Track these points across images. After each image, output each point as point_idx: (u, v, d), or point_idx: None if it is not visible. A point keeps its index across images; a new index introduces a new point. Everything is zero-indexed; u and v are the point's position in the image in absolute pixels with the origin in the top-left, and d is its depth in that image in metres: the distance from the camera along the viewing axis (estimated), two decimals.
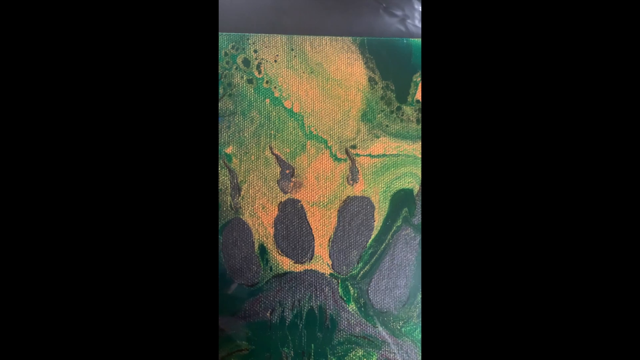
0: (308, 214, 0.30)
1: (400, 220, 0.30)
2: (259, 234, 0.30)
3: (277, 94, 0.31)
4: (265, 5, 0.37)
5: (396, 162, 0.31)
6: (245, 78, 0.31)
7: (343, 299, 0.30)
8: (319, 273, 0.30)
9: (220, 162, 0.31)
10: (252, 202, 0.30)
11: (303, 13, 0.37)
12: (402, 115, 0.31)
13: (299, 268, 0.30)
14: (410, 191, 0.31)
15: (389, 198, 0.31)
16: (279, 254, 0.30)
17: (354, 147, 0.31)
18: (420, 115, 0.31)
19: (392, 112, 0.31)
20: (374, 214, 0.31)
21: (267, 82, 0.31)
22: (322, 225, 0.30)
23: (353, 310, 0.30)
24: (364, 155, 0.31)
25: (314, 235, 0.30)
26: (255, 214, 0.30)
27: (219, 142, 0.31)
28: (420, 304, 0.30)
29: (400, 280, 0.30)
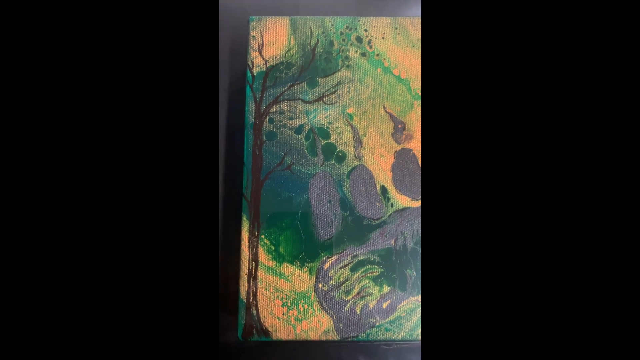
0: (420, 160, 0.36)
1: None
2: (379, 177, 0.36)
3: (386, 64, 0.38)
4: None
5: None
6: (359, 52, 0.38)
7: None
8: None
9: (344, 120, 0.37)
10: (372, 152, 0.36)
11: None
12: None
13: (416, 204, 0.36)
14: None
15: None
16: (398, 193, 0.36)
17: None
18: None
19: None
20: None
21: (377, 55, 0.38)
22: None
23: None
24: None
25: None
26: (375, 161, 0.36)
27: (342, 104, 0.37)
28: None
29: None
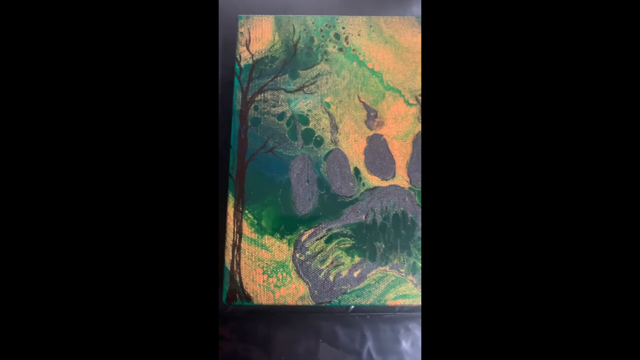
0: (390, 145, 0.40)
1: None
2: (353, 160, 0.40)
3: (361, 58, 0.42)
4: None
5: None
6: (337, 47, 0.42)
7: (419, 206, 0.39)
8: (400, 187, 0.40)
9: (322, 108, 0.41)
10: (347, 137, 0.40)
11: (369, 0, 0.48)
12: None
13: (385, 184, 0.40)
14: None
15: None
16: (369, 173, 0.40)
17: (421, 94, 0.41)
18: None
19: None
20: None
21: (353, 50, 0.42)
22: (401, 153, 0.40)
23: None
24: None
25: (395, 160, 0.40)
26: (349, 145, 0.40)
27: (320, 94, 0.41)
28: None
29: None
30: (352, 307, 0.41)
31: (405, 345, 0.42)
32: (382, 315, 0.42)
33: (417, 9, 0.48)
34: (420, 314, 0.42)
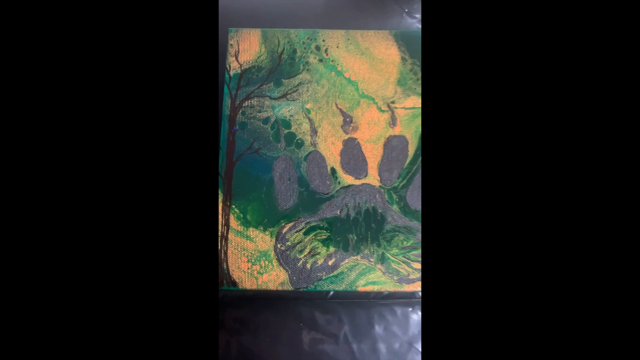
0: (363, 147, 0.45)
1: None
2: (330, 160, 0.44)
3: (339, 68, 0.46)
4: (332, 6, 0.52)
5: (420, 112, 0.45)
6: (317, 58, 0.46)
7: (388, 202, 0.44)
8: (371, 185, 0.44)
9: (302, 114, 0.45)
10: (325, 140, 0.45)
11: (350, 15, 0.52)
12: None
13: (358, 182, 0.44)
14: None
15: (418, 136, 0.45)
16: (345, 173, 0.44)
17: (393, 102, 0.45)
18: None
19: (417, 79, 0.46)
20: (407, 147, 0.45)
21: (332, 60, 0.46)
22: (373, 154, 0.44)
23: (396, 209, 0.44)
24: (400, 108, 0.45)
25: (367, 161, 0.44)
26: (327, 147, 0.45)
27: (302, 101, 0.45)
28: None
29: None
30: (332, 292, 0.45)
31: (378, 329, 0.47)
32: (357, 302, 0.47)
33: (397, 22, 0.52)
34: (392, 301, 0.47)
